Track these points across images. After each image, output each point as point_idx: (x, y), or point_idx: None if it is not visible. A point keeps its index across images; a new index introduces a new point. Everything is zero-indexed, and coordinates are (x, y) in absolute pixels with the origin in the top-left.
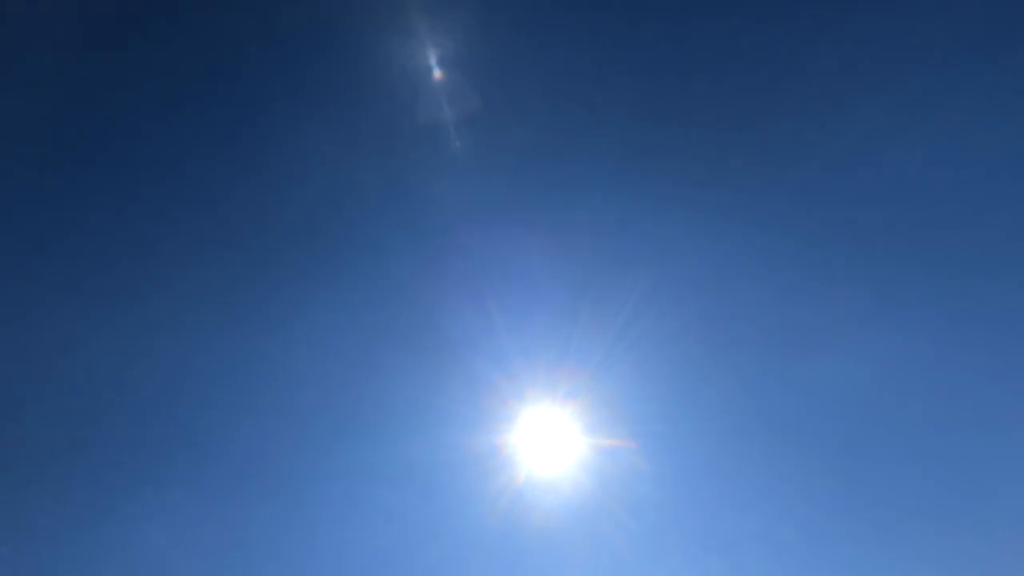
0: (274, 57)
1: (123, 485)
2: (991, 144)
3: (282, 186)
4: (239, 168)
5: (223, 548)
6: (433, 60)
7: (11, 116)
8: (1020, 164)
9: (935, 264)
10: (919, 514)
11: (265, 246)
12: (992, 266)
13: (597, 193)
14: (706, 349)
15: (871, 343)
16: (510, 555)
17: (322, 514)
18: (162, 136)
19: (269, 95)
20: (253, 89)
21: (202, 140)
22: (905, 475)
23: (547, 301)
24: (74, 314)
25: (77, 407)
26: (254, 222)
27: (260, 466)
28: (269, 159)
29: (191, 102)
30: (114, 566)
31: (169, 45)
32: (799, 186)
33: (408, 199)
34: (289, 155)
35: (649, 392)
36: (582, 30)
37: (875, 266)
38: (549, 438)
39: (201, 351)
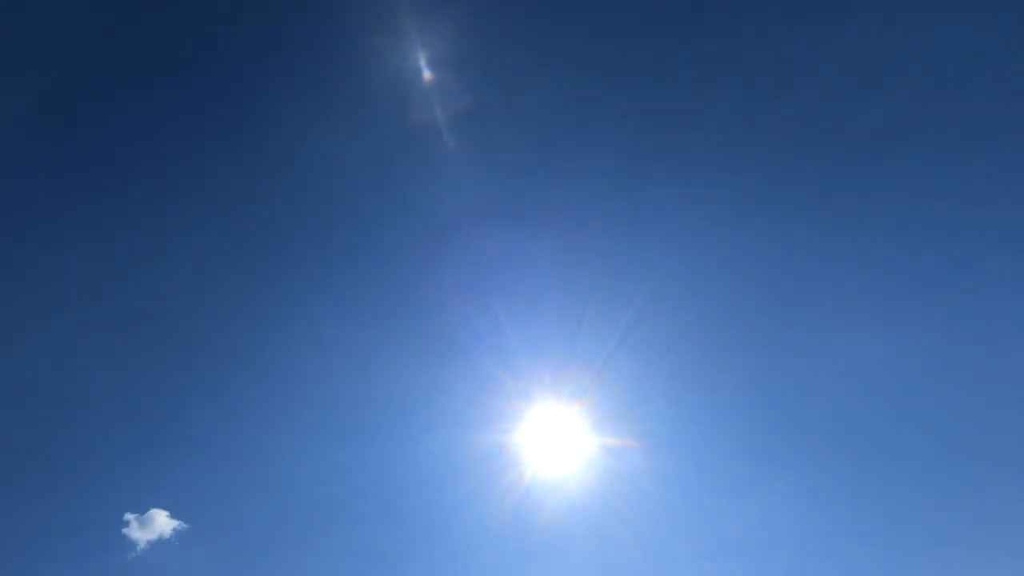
0: (277, 60)
1: (126, 484)
2: (992, 144)
3: (290, 189)
4: (244, 172)
5: (225, 548)
6: (435, 61)
7: (11, 117)
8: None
9: (938, 266)
10: (922, 513)
11: (272, 248)
12: (993, 265)
13: (604, 194)
14: (711, 349)
15: (874, 343)
16: (516, 552)
17: (328, 513)
18: (158, 144)
19: (274, 99)
20: (256, 92)
21: (202, 144)
22: (907, 474)
23: (553, 302)
24: (78, 314)
25: (80, 407)
26: (261, 225)
27: (265, 466)
28: (275, 161)
29: (188, 106)
30: (117, 565)
31: (160, 48)
32: (801, 188)
33: (415, 201)
34: (295, 157)
35: (654, 392)
36: (582, 31)
37: (878, 269)
38: (555, 437)
39: (207, 351)
